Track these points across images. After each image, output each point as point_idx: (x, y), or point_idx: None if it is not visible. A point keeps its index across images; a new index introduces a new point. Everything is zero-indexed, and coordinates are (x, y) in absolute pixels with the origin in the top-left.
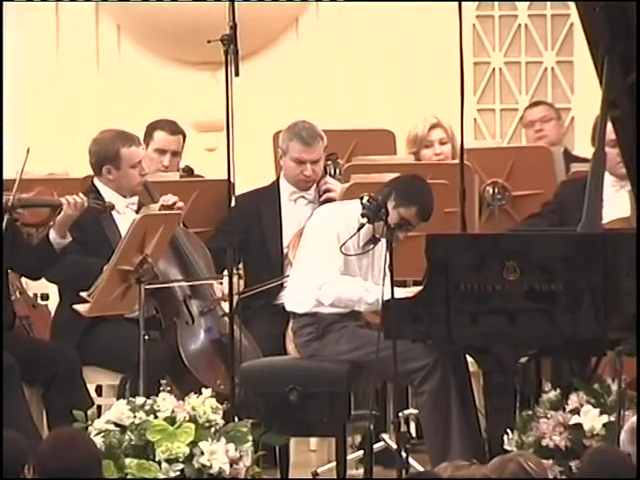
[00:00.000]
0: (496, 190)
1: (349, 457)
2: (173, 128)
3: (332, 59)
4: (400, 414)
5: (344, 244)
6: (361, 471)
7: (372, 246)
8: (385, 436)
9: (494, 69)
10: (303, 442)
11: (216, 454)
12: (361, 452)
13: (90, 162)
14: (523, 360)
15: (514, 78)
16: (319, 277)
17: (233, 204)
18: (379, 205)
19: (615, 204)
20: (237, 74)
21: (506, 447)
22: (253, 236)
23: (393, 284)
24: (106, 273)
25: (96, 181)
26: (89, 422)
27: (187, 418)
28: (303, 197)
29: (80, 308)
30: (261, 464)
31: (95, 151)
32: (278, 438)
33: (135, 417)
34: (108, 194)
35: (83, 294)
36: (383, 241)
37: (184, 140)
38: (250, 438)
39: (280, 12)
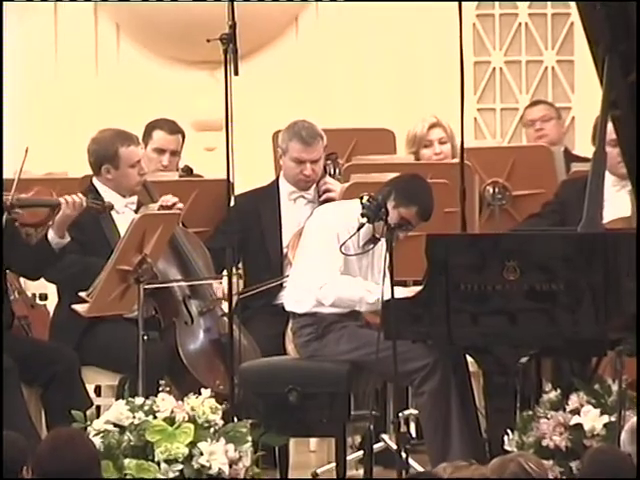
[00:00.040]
0: (496, 190)
1: (349, 457)
2: (172, 127)
3: (332, 59)
4: (400, 414)
5: (344, 244)
6: (361, 472)
7: (372, 246)
8: (385, 436)
9: (494, 68)
10: (303, 442)
11: (215, 454)
12: (361, 452)
13: (89, 162)
14: (523, 360)
15: (514, 77)
16: (319, 277)
17: (232, 204)
18: (379, 205)
19: (616, 204)
20: (236, 73)
21: (506, 447)
22: (252, 236)
23: (393, 284)
24: (105, 273)
25: (95, 181)
26: (88, 422)
27: (186, 418)
28: (303, 197)
29: (79, 308)
30: (260, 465)
31: (94, 150)
32: (278, 438)
33: (134, 417)
34: (107, 194)
35: (82, 294)
36: (383, 241)
37: (183, 139)
38: (249, 438)
39: (280, 11)
